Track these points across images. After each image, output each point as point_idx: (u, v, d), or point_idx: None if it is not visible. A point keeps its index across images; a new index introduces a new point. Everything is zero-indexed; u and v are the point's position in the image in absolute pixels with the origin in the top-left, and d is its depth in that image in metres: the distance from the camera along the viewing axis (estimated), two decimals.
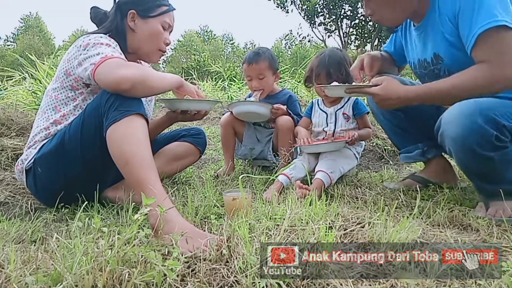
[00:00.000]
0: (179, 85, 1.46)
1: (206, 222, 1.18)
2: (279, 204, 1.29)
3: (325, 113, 1.93)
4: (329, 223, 1.03)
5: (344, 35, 8.08)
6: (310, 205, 1.16)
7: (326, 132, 1.92)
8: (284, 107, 2.06)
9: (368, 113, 1.87)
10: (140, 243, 0.87)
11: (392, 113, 1.68)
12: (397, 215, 1.25)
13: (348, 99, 1.91)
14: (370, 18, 1.58)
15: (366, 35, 7.77)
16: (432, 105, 1.60)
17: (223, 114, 2.50)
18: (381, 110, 1.72)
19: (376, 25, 6.96)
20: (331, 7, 7.62)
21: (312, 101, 2.07)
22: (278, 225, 1.03)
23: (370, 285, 0.75)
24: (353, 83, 1.58)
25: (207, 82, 7.22)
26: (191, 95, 1.53)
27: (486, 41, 1.16)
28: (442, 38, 1.33)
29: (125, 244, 0.77)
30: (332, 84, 1.58)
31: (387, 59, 1.73)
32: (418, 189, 1.58)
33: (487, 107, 1.13)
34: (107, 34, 1.44)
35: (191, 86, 1.54)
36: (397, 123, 1.70)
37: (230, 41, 44.17)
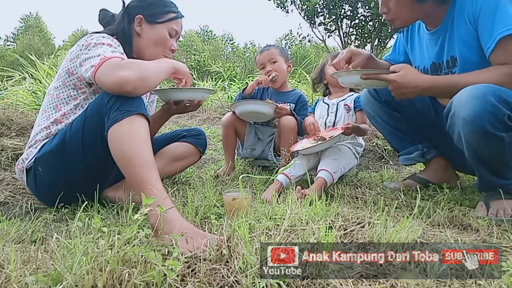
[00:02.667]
0: (174, 70, 1.42)
1: (206, 222, 1.18)
2: (278, 203, 1.29)
3: (327, 104, 1.97)
4: (329, 223, 1.03)
5: (344, 35, 8.07)
6: (310, 205, 1.16)
7: (327, 125, 1.94)
8: (288, 107, 2.07)
9: None
10: (140, 243, 0.87)
11: (389, 115, 1.66)
12: (397, 215, 1.25)
13: (352, 94, 1.94)
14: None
15: (366, 35, 7.76)
16: (430, 107, 1.59)
17: (223, 114, 2.50)
18: (378, 112, 1.69)
19: (376, 25, 6.94)
20: (331, 7, 7.61)
21: (318, 98, 2.12)
22: (278, 225, 1.03)
23: (370, 285, 0.75)
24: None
25: (207, 82, 7.22)
26: (186, 78, 1.50)
27: (506, 46, 1.19)
28: (460, 40, 1.33)
29: (125, 244, 0.77)
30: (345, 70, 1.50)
31: (383, 65, 1.70)
32: (418, 189, 1.59)
33: (498, 89, 1.13)
34: (113, 36, 1.43)
35: (185, 69, 1.48)
36: (394, 125, 1.68)
37: (230, 41, 44.14)
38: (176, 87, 1.53)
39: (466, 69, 1.33)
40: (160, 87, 1.69)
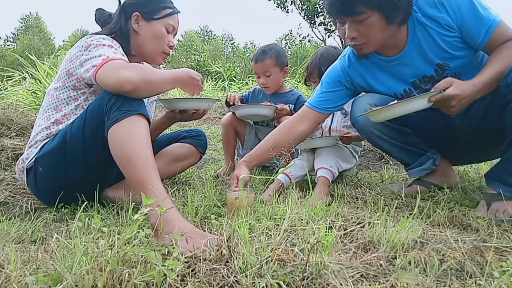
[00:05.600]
0: (179, 85, 1.42)
1: (206, 222, 1.18)
2: (278, 203, 1.29)
3: None
4: (329, 223, 1.03)
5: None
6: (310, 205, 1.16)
7: (322, 129, 1.94)
8: (288, 107, 2.07)
9: None
10: (140, 243, 0.87)
11: (398, 132, 1.60)
12: (397, 215, 1.25)
13: None
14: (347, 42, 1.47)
15: None
16: (436, 112, 1.56)
17: (223, 114, 2.51)
18: (384, 131, 1.60)
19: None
20: None
21: None
22: (278, 225, 1.03)
23: (370, 285, 0.75)
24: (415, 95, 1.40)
25: (207, 82, 7.23)
26: (193, 91, 1.48)
27: (499, 32, 1.28)
28: (442, 47, 1.35)
29: (125, 244, 0.77)
30: (408, 99, 1.31)
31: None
32: (418, 189, 1.58)
33: None
34: (111, 36, 1.43)
35: (191, 84, 1.45)
36: (404, 140, 1.62)
37: (230, 41, 44.16)
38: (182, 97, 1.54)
39: (456, 66, 1.37)
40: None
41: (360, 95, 1.64)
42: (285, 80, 2.31)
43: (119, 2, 1.51)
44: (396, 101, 1.40)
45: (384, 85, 1.54)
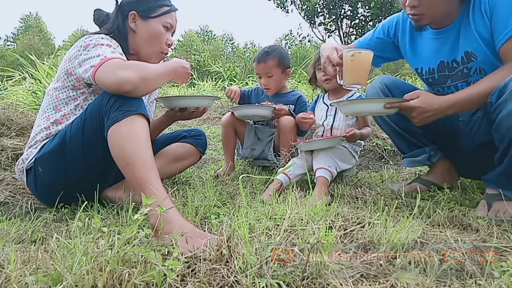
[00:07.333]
0: (173, 76, 1.42)
1: (206, 222, 1.18)
2: (278, 203, 1.29)
3: (326, 105, 1.95)
4: (329, 223, 1.03)
5: (344, 35, 8.08)
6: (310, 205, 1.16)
7: (324, 127, 1.93)
8: (287, 108, 2.07)
9: None
10: (140, 243, 0.87)
11: (401, 116, 1.58)
12: (397, 215, 1.25)
13: (352, 95, 1.92)
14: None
15: None
16: None
17: (223, 114, 2.51)
18: (389, 114, 1.63)
19: (376, 25, 6.95)
20: (331, 7, 7.63)
21: (318, 95, 2.10)
22: (278, 225, 1.03)
23: (370, 285, 0.75)
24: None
25: (207, 82, 7.23)
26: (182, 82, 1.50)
27: None
28: (474, 35, 1.31)
29: (125, 244, 0.76)
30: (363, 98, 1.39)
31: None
32: (419, 189, 1.58)
33: None
34: (110, 35, 1.43)
35: (183, 73, 1.46)
36: (404, 127, 1.63)
37: (230, 41, 44.21)
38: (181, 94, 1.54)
39: (482, 63, 1.32)
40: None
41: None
42: (286, 80, 2.30)
43: (116, 1, 1.51)
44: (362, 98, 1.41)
45: (415, 54, 1.53)
